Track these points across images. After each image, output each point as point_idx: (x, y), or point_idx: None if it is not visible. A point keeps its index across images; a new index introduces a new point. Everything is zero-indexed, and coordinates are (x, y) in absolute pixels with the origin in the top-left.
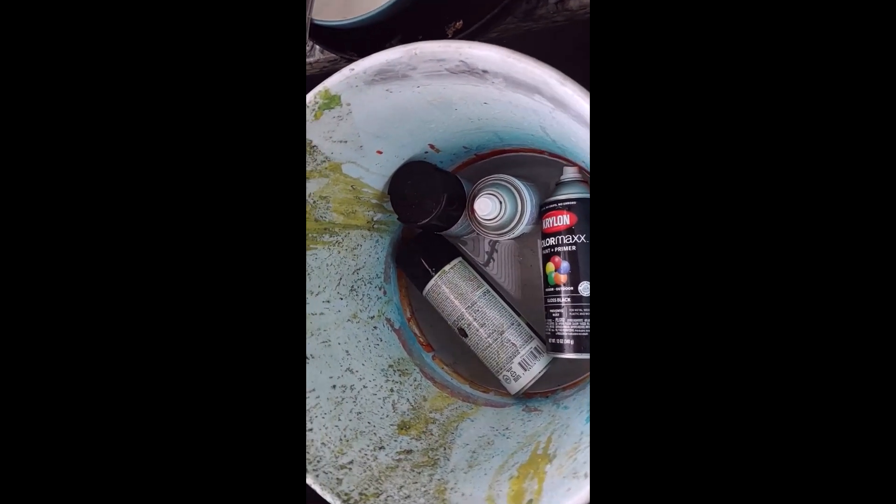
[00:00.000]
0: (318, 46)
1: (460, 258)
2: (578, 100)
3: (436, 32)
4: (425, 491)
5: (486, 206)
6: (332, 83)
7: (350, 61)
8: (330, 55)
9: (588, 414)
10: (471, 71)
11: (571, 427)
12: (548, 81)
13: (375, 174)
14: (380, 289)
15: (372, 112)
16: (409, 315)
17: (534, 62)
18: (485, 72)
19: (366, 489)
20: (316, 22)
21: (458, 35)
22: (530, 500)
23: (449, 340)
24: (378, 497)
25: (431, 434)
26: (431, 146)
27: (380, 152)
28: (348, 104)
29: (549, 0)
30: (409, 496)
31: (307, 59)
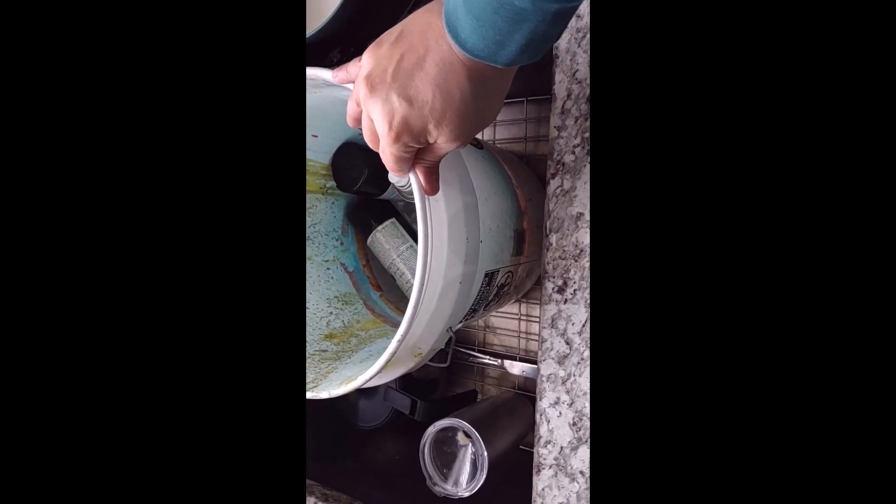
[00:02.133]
0: None
1: (393, 219)
2: None
3: (362, 44)
4: (318, 371)
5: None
6: None
7: None
8: None
9: None
10: (336, 85)
11: None
12: None
13: (318, 151)
14: (337, 240)
15: None
16: (364, 262)
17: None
18: (342, 87)
19: None
20: None
21: None
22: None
23: (396, 284)
24: None
25: (349, 343)
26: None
27: (315, 136)
28: None
29: None
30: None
31: None
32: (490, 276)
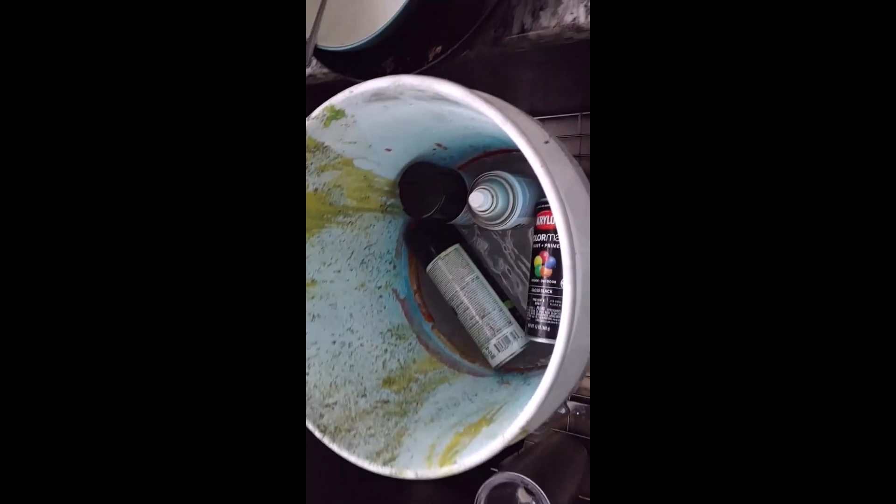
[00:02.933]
0: (315, 60)
1: (458, 245)
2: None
3: (420, 54)
4: (387, 433)
5: (479, 199)
6: (336, 101)
7: (348, 80)
8: (324, 68)
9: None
10: (445, 99)
11: (521, 401)
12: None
13: (386, 167)
14: (390, 263)
15: (376, 122)
16: (415, 288)
17: (483, 103)
18: (455, 102)
19: (340, 425)
20: (320, 47)
21: (437, 58)
22: (457, 451)
23: (451, 313)
24: (349, 432)
25: (410, 390)
26: (438, 144)
27: (388, 150)
28: (352, 115)
29: (513, 31)
30: (373, 435)
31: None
32: None
